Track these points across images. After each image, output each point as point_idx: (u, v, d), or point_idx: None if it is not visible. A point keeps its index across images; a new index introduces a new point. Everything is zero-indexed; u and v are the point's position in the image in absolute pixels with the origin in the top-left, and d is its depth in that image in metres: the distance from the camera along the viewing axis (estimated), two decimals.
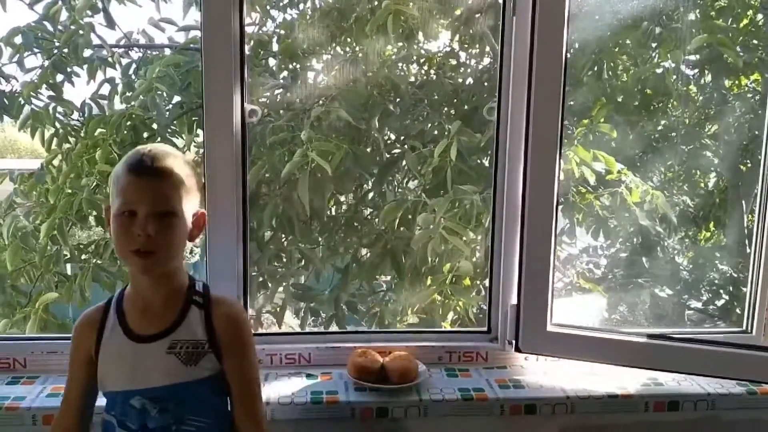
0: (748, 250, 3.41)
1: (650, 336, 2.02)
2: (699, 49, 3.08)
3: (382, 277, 3.24)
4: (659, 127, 3.36)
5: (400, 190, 3.23)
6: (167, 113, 3.03)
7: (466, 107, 3.11)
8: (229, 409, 1.55)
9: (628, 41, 3.25)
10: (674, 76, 3.17)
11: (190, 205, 1.47)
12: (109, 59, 3.05)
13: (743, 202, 3.42)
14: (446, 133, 2.87)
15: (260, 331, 2.83)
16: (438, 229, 2.66)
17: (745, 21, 3.28)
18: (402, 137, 3.17)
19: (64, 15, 2.96)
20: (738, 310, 3.15)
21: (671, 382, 2.00)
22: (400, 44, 3.09)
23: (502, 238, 2.08)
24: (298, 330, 2.97)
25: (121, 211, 1.40)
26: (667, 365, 1.97)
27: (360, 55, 3.03)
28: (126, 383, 1.47)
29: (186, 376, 1.46)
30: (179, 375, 1.45)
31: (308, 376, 1.99)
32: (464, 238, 2.66)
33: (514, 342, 2.04)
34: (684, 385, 1.98)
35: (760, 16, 3.31)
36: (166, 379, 1.45)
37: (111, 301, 1.53)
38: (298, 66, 3.11)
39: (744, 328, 2.16)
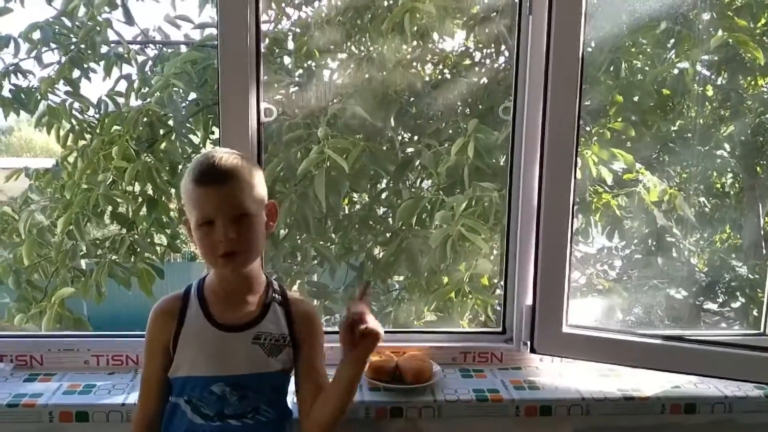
0: (765, 252, 3.40)
1: (666, 338, 2.01)
2: (717, 48, 3.05)
3: (396, 276, 3.24)
4: (675, 127, 3.34)
5: (414, 189, 3.23)
6: (183, 110, 3.05)
7: (481, 106, 3.11)
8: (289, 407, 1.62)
9: (644, 40, 3.23)
10: (691, 76, 3.15)
11: (261, 198, 1.52)
12: (126, 56, 3.07)
13: (759, 203, 3.40)
14: (461, 131, 2.87)
15: None
16: (457, 226, 2.65)
17: (762, 21, 3.26)
18: (417, 136, 3.17)
19: (82, 11, 2.98)
20: (755, 312, 3.13)
21: (688, 384, 1.98)
22: (416, 43, 3.09)
23: (518, 238, 2.07)
24: None
25: (199, 223, 1.44)
26: (684, 367, 1.95)
27: (375, 53, 3.02)
28: (210, 369, 1.51)
29: (267, 367, 1.53)
30: (262, 365, 1.52)
31: None
32: (482, 236, 2.65)
33: (529, 343, 2.03)
34: (701, 387, 1.96)
35: None
36: (249, 368, 1.52)
37: (189, 290, 1.58)
38: (313, 64, 3.11)
39: (761, 330, 2.14)
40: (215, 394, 1.50)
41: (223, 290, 1.55)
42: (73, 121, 3.09)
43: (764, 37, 3.25)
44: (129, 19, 3.04)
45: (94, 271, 2.94)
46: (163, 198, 3.03)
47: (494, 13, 3.04)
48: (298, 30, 3.18)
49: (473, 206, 2.72)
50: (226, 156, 1.47)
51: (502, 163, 2.87)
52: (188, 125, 3.12)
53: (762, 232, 3.37)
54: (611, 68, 3.05)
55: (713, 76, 3.34)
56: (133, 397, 1.62)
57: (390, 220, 3.20)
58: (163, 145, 3.05)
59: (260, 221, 1.50)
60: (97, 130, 3.09)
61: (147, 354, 1.58)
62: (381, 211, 3.31)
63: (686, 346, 1.97)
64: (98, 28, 2.95)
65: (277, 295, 1.58)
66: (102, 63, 3.04)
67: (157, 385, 1.57)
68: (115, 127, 2.97)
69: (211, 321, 1.52)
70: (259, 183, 1.52)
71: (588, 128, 2.96)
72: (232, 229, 1.42)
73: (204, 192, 1.43)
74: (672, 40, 3.14)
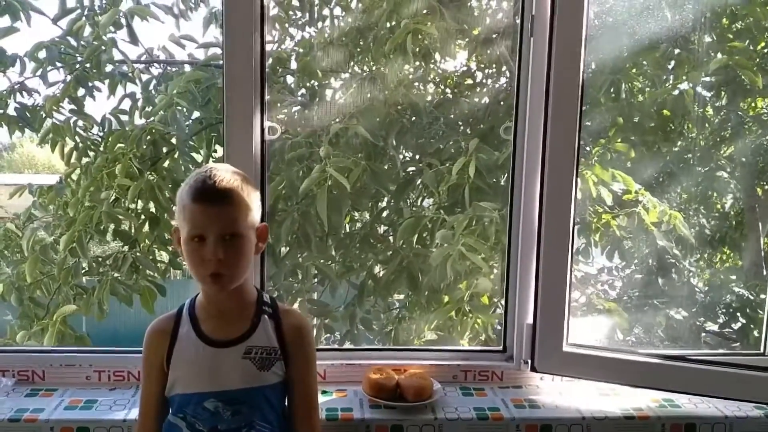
0: (765, 273, 3.40)
1: (667, 357, 2.01)
2: (716, 70, 3.07)
3: (396, 295, 3.24)
4: (675, 149, 3.36)
5: (415, 208, 3.24)
6: (187, 128, 3.07)
7: (482, 126, 3.12)
8: (285, 419, 1.62)
9: (645, 62, 3.25)
10: (691, 98, 3.17)
11: (254, 220, 1.52)
12: (130, 74, 3.10)
13: (760, 224, 3.40)
14: (462, 151, 2.88)
15: None
16: (457, 245, 2.66)
17: (762, 44, 3.28)
18: (419, 155, 3.18)
19: (87, 31, 3.01)
20: (755, 333, 3.12)
21: (688, 404, 1.98)
22: (418, 63, 3.11)
23: (519, 257, 2.08)
24: None
25: (191, 236, 1.45)
26: (684, 387, 1.96)
27: (377, 74, 3.05)
28: (202, 385, 1.52)
29: (259, 381, 1.53)
30: (254, 379, 1.53)
31: (323, 392, 1.98)
32: (482, 255, 2.66)
33: (529, 361, 2.04)
34: (701, 407, 1.97)
35: None
36: (241, 383, 1.52)
37: (182, 309, 1.59)
38: (316, 84, 3.14)
39: (762, 350, 2.14)
40: (208, 410, 1.51)
41: (214, 307, 1.56)
42: (77, 138, 3.11)
43: (764, 61, 3.27)
44: (132, 39, 3.06)
45: (96, 288, 2.95)
46: (166, 215, 3.04)
47: (496, 35, 3.06)
48: (301, 50, 3.20)
49: (473, 225, 2.73)
50: (227, 175, 1.48)
51: (502, 183, 2.89)
52: (191, 144, 3.13)
53: (762, 253, 3.37)
54: (612, 89, 3.07)
55: (713, 98, 3.36)
56: (135, 413, 1.64)
57: (391, 238, 3.21)
58: (166, 164, 3.07)
59: (250, 242, 1.51)
60: (101, 148, 3.11)
61: (144, 374, 1.60)
62: (382, 229, 3.32)
63: (687, 366, 1.97)
64: (103, 48, 2.98)
65: (267, 308, 1.59)
66: (106, 82, 3.06)
67: (155, 404, 1.58)
68: (119, 145, 2.99)
69: (202, 337, 1.54)
70: (255, 205, 1.52)
71: (588, 149, 2.97)
72: (221, 249, 1.43)
73: (199, 208, 1.45)
74: (672, 62, 3.16)
